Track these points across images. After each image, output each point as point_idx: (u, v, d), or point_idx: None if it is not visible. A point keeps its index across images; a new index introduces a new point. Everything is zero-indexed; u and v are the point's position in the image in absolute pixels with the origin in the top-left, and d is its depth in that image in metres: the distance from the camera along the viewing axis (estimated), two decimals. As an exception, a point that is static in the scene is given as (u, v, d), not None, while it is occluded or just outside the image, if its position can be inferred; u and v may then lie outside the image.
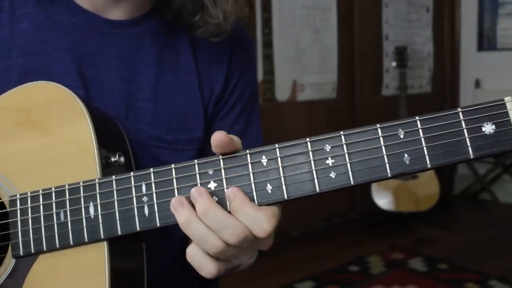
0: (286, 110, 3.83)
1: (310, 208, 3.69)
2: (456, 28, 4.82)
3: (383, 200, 3.87)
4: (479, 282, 3.07)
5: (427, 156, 0.60)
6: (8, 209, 0.74)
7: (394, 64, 4.22)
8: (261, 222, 0.61)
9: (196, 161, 0.66)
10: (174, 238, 0.90)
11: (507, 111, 0.58)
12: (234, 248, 0.63)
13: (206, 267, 0.64)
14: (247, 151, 0.65)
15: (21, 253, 0.72)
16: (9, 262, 0.73)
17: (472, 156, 0.59)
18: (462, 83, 4.85)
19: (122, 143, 0.78)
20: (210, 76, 0.92)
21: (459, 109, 0.59)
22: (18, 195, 0.73)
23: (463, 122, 0.59)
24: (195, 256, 0.64)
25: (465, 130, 0.59)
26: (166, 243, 0.87)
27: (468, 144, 0.59)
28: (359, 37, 4.18)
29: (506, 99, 0.58)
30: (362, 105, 4.20)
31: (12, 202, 0.73)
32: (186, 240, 0.90)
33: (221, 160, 0.65)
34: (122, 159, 0.73)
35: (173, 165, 0.66)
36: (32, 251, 0.71)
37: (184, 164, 0.66)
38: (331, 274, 3.26)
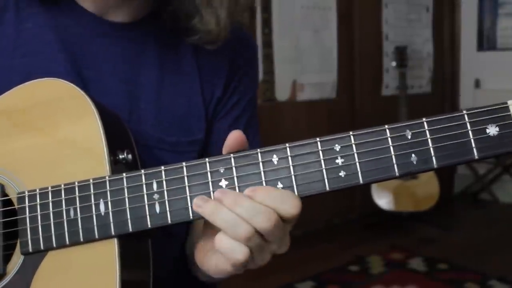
0: (286, 110, 3.83)
1: (310, 208, 3.64)
2: (456, 28, 4.83)
3: (383, 200, 3.88)
4: (479, 282, 3.07)
5: (433, 157, 0.62)
6: (16, 206, 0.74)
7: (394, 64, 4.22)
8: (288, 197, 0.63)
9: (207, 159, 0.66)
10: (176, 237, 0.90)
11: (510, 114, 0.60)
12: (262, 238, 0.63)
13: (237, 252, 0.63)
14: (258, 150, 0.65)
15: (30, 250, 0.72)
16: (18, 258, 0.73)
17: (477, 157, 0.61)
18: (462, 83, 4.85)
19: (129, 141, 0.78)
20: (211, 80, 0.92)
21: (464, 111, 0.61)
22: (26, 192, 0.73)
23: (468, 124, 0.61)
24: (223, 241, 0.63)
25: (470, 132, 0.61)
26: (168, 242, 0.87)
27: (473, 145, 0.61)
28: (359, 37, 4.19)
29: (510, 102, 0.61)
30: (362, 105, 4.21)
31: (21, 199, 0.73)
32: (186, 239, 0.91)
33: (232, 159, 0.66)
34: (130, 156, 0.73)
35: (184, 163, 0.67)
36: (42, 247, 0.71)
37: (195, 162, 0.67)
38: (331, 274, 3.27)
